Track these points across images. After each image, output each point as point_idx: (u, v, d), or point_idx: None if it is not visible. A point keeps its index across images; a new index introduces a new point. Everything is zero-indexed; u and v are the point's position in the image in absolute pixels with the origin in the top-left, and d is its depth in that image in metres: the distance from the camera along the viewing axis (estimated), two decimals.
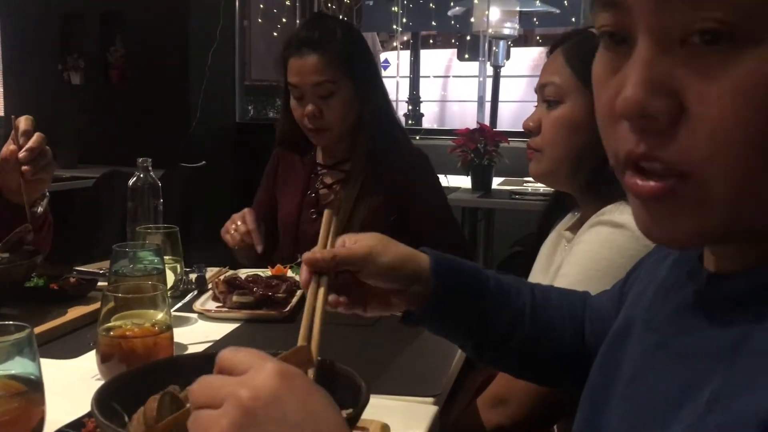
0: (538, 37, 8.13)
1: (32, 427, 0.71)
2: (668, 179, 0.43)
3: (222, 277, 1.39)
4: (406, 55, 7.55)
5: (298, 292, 1.35)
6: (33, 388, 0.71)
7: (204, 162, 3.80)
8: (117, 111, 4.24)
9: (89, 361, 0.97)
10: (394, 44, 5.88)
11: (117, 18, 4.28)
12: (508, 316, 0.81)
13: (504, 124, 6.55)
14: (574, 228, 1.18)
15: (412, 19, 6.06)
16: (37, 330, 1.06)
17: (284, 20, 5.17)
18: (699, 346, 0.46)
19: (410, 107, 7.10)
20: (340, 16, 4.62)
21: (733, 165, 0.41)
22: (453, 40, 7.67)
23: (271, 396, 0.43)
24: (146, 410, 0.61)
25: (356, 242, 0.77)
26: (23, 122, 1.29)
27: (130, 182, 1.45)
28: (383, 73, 6.30)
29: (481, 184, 3.16)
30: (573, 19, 5.32)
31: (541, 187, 2.49)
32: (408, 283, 0.77)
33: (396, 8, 5.37)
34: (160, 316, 0.91)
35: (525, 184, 3.21)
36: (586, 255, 1.06)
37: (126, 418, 0.64)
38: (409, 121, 6.59)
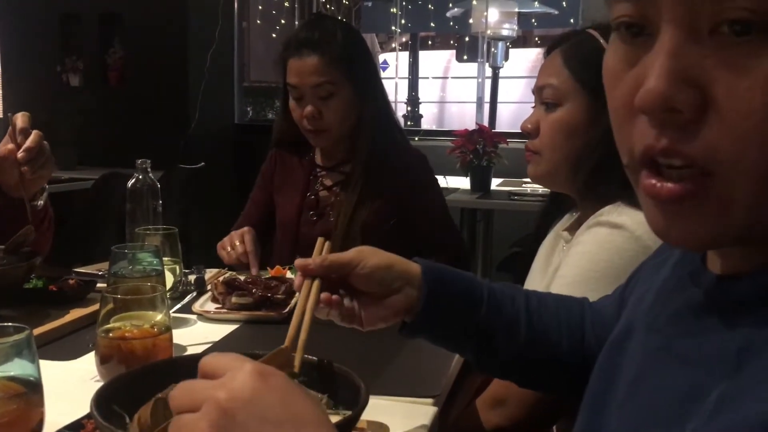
0: (536, 38, 8.13)
1: (31, 429, 0.71)
2: (687, 180, 0.41)
3: (221, 279, 1.39)
4: (404, 56, 7.55)
5: (297, 294, 1.35)
6: (32, 390, 0.71)
7: (203, 163, 3.80)
8: (116, 112, 4.25)
9: (88, 362, 0.97)
10: (393, 45, 5.88)
11: (116, 19, 4.28)
12: (504, 325, 0.81)
13: (503, 125, 6.55)
14: (572, 228, 1.18)
15: (411, 20, 6.06)
16: (36, 331, 1.06)
17: (283, 21, 5.18)
18: (703, 350, 0.45)
19: (409, 108, 7.10)
20: (339, 17, 4.62)
21: (758, 163, 0.39)
22: (452, 42, 7.67)
23: (249, 396, 0.42)
24: (140, 417, 0.61)
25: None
26: (20, 119, 1.29)
27: (129, 184, 1.45)
28: (382, 74, 6.29)
29: (480, 185, 3.16)
30: (571, 20, 5.33)
31: (539, 188, 2.49)
32: (399, 286, 0.78)
33: (395, 9, 5.38)
34: (159, 317, 0.91)
35: (524, 185, 3.21)
36: (584, 256, 1.06)
37: (127, 420, 0.64)
38: (408, 122, 6.59)
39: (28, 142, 1.27)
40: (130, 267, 1.16)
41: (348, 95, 1.64)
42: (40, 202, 1.36)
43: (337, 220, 1.65)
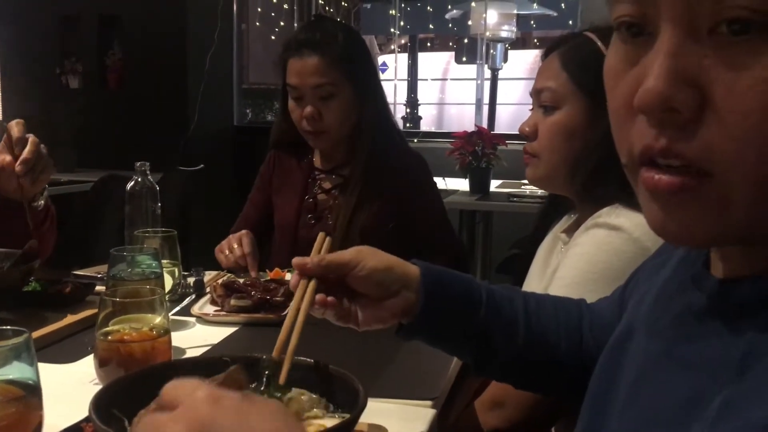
0: (535, 40, 8.13)
1: None
2: (686, 176, 0.41)
3: (220, 281, 1.39)
4: (403, 58, 7.55)
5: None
6: (31, 393, 0.71)
7: (202, 165, 3.81)
8: (115, 114, 4.25)
9: (87, 365, 0.97)
10: (392, 47, 5.89)
11: (115, 22, 4.28)
12: (502, 326, 0.81)
13: (502, 126, 6.55)
14: (571, 230, 1.18)
15: (410, 22, 6.07)
16: (35, 334, 1.06)
17: (282, 23, 5.18)
18: (706, 354, 0.45)
19: (408, 110, 7.10)
20: (338, 19, 4.62)
21: (756, 164, 0.39)
22: (450, 43, 7.67)
23: (202, 424, 0.42)
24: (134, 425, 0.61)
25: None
26: (15, 128, 1.28)
27: (128, 186, 1.45)
28: (381, 76, 6.29)
29: (479, 186, 3.17)
30: (570, 22, 5.33)
31: (538, 189, 2.49)
32: (396, 289, 0.77)
33: (394, 11, 5.38)
34: (158, 320, 0.91)
35: (523, 187, 3.21)
36: (582, 258, 1.06)
37: (126, 423, 0.64)
38: (407, 124, 6.59)
39: (25, 153, 1.26)
40: (129, 270, 1.16)
41: (348, 97, 1.63)
42: (41, 203, 1.36)
43: (335, 223, 1.65)
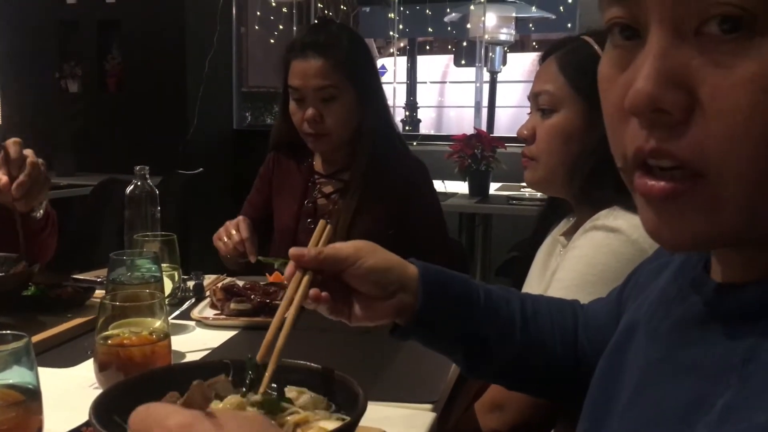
0: (534, 43, 8.14)
1: None
2: (678, 180, 0.41)
3: (220, 285, 1.39)
4: (402, 61, 7.56)
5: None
6: (31, 398, 0.71)
7: (201, 169, 3.81)
8: (114, 119, 4.25)
9: (87, 369, 0.97)
10: (391, 50, 5.89)
11: (114, 26, 4.29)
12: (499, 327, 0.81)
13: (501, 129, 6.55)
14: (569, 233, 1.18)
15: (409, 25, 6.07)
16: (35, 339, 1.06)
17: (281, 27, 5.19)
18: (707, 360, 0.45)
19: (407, 113, 7.11)
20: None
21: (748, 162, 0.39)
22: (449, 46, 7.68)
23: None
24: None
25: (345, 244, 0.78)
26: (12, 149, 1.27)
27: (128, 190, 1.45)
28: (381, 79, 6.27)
29: (479, 189, 3.17)
30: (569, 25, 5.33)
31: (537, 192, 2.49)
32: (393, 290, 0.77)
33: (392, 14, 5.38)
34: (157, 324, 0.91)
35: (522, 190, 3.22)
36: (581, 260, 1.06)
37: (126, 428, 0.64)
38: (407, 127, 6.59)
39: (22, 177, 1.26)
40: (129, 274, 1.16)
41: (350, 100, 1.63)
42: (40, 212, 1.36)
43: (336, 228, 1.65)
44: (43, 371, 0.75)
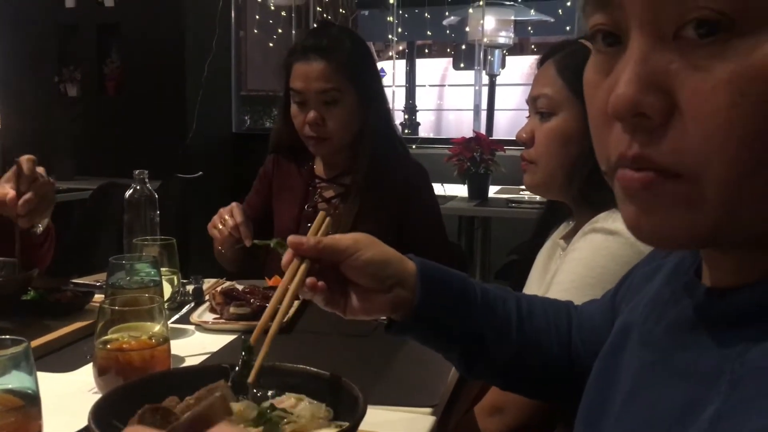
0: (533, 46, 8.15)
1: None
2: (659, 175, 0.42)
3: (219, 289, 1.39)
4: (401, 64, 7.57)
5: (296, 303, 1.35)
6: (30, 403, 0.71)
7: (201, 173, 3.81)
8: (113, 122, 4.25)
9: (86, 374, 0.97)
10: (390, 54, 5.90)
11: (113, 30, 4.29)
12: (496, 325, 0.81)
13: (500, 132, 6.56)
14: (569, 236, 1.18)
15: (408, 28, 6.08)
16: (34, 343, 1.06)
17: (280, 31, 5.19)
18: (699, 364, 0.45)
19: (406, 116, 7.11)
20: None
21: (726, 164, 0.39)
22: (448, 50, 7.68)
23: None
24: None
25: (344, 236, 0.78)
26: (25, 166, 1.29)
27: (127, 194, 1.45)
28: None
29: (478, 192, 3.17)
30: (567, 28, 5.35)
31: (537, 196, 2.50)
32: (390, 284, 0.76)
33: (391, 18, 5.39)
34: (157, 328, 0.91)
35: (521, 193, 3.22)
36: (580, 263, 1.06)
37: None
38: (406, 130, 6.59)
39: (29, 195, 1.28)
40: (128, 278, 1.16)
41: (352, 103, 1.62)
42: (40, 229, 1.36)
43: (336, 233, 1.64)
44: (42, 376, 0.75)
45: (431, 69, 8.81)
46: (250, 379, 0.69)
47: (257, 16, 5.19)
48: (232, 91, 4.75)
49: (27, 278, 1.27)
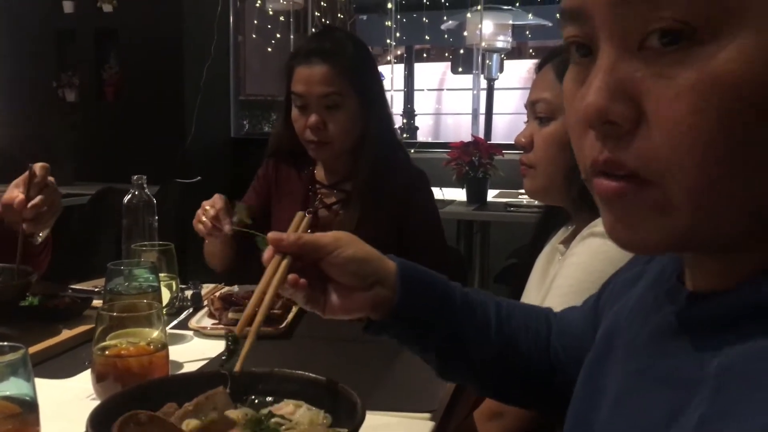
0: (531, 50, 8.17)
1: None
2: (631, 182, 0.43)
3: (217, 294, 1.39)
4: (400, 68, 7.58)
5: (294, 308, 1.35)
6: (28, 409, 0.71)
7: (199, 177, 3.80)
8: (112, 127, 4.25)
9: (84, 380, 0.97)
10: (388, 58, 5.91)
11: (111, 35, 4.30)
12: (475, 327, 0.81)
13: (498, 136, 6.56)
14: (568, 241, 1.18)
15: (406, 33, 6.08)
16: (32, 350, 1.06)
17: (278, 36, 5.20)
18: (683, 370, 0.45)
19: (405, 120, 7.12)
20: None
21: (692, 170, 0.40)
22: (446, 54, 7.69)
23: None
24: None
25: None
26: (39, 172, 1.31)
27: (125, 200, 1.45)
28: None
29: (476, 196, 3.17)
30: None
31: (536, 201, 2.50)
32: (371, 282, 0.76)
33: (390, 23, 5.40)
34: (155, 334, 0.91)
35: (520, 197, 3.22)
36: (579, 267, 1.06)
37: None
38: (404, 135, 6.60)
39: (36, 200, 1.29)
40: (127, 283, 1.15)
41: (354, 108, 1.61)
42: (39, 238, 1.37)
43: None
44: (40, 382, 0.75)
45: (429, 73, 8.82)
46: (236, 368, 0.69)
47: (256, 21, 5.19)
48: (230, 96, 4.75)
49: (25, 284, 1.27)
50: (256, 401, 0.78)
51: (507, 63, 6.90)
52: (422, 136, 7.19)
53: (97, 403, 0.70)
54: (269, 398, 0.77)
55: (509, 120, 7.41)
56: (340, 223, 1.64)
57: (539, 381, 0.83)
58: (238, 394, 0.76)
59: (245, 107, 5.19)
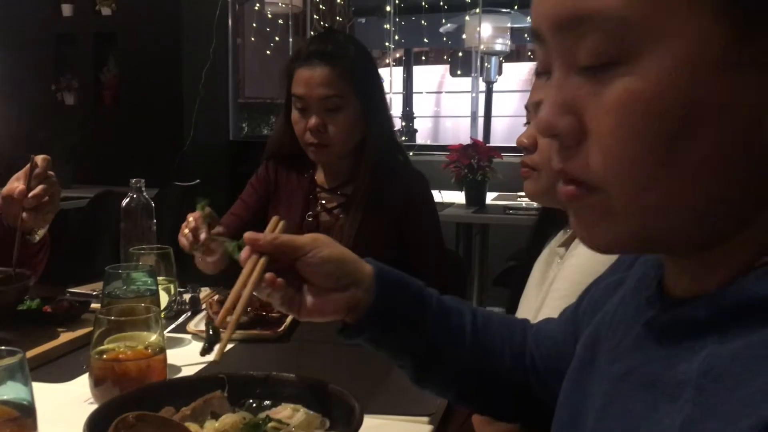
0: (529, 53, 8.18)
1: None
2: (581, 188, 0.47)
3: (216, 298, 1.39)
4: (398, 71, 7.59)
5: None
6: (25, 414, 0.71)
7: (198, 180, 3.81)
8: (110, 131, 4.25)
9: (82, 384, 0.97)
10: (387, 61, 5.91)
11: (110, 38, 4.30)
12: (449, 333, 0.80)
13: (497, 139, 6.58)
14: (567, 244, 1.18)
15: (405, 36, 6.10)
16: (30, 353, 1.05)
17: (277, 38, 5.21)
18: (666, 374, 0.46)
19: (404, 123, 7.13)
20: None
21: (624, 180, 0.44)
22: (445, 57, 7.72)
23: None
24: None
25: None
26: (41, 164, 1.31)
27: (124, 203, 1.45)
28: None
29: (475, 199, 3.17)
30: None
31: (536, 204, 2.50)
32: (346, 283, 0.76)
33: (388, 25, 5.41)
34: (153, 338, 0.91)
35: (519, 199, 3.22)
36: (578, 269, 1.06)
37: None
38: (403, 137, 6.61)
39: (38, 189, 1.29)
40: (125, 287, 1.15)
41: (354, 111, 1.60)
42: (37, 237, 1.36)
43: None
44: (37, 386, 0.74)
45: (428, 76, 8.84)
46: (216, 358, 0.70)
47: (254, 24, 5.20)
48: (229, 99, 4.75)
49: (23, 288, 1.27)
50: (254, 405, 0.77)
51: (506, 66, 6.92)
52: (421, 139, 7.20)
53: (95, 407, 0.69)
54: (267, 402, 0.77)
55: (508, 123, 7.42)
56: (341, 227, 1.63)
57: (514, 391, 0.83)
58: (235, 398, 0.76)
59: (244, 110, 5.19)
